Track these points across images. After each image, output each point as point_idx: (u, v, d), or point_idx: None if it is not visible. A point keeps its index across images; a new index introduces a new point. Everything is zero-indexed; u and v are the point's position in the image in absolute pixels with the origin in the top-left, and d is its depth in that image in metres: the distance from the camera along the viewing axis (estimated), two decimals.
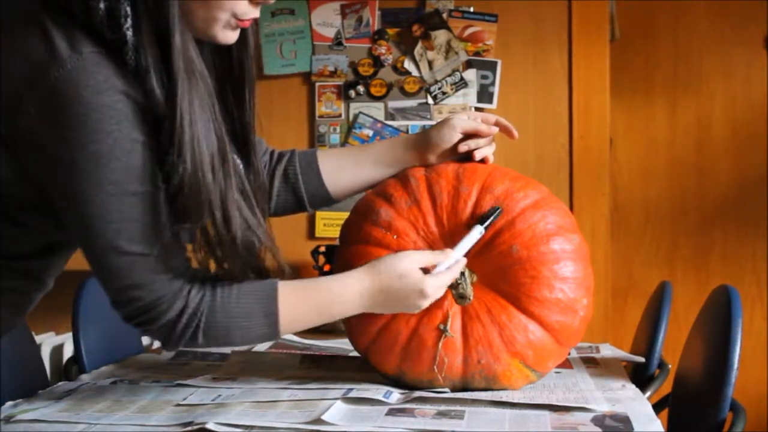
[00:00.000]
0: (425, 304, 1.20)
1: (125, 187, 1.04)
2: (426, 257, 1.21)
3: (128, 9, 1.02)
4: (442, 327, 1.23)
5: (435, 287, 1.19)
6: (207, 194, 1.07)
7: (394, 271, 1.19)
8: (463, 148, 1.35)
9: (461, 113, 1.39)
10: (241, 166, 1.23)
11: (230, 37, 1.13)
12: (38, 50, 1.00)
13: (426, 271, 1.20)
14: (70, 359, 1.77)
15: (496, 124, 1.38)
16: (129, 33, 1.02)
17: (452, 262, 1.21)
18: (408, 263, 1.19)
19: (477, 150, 1.35)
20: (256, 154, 1.26)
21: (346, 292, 1.19)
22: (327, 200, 1.41)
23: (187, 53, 1.06)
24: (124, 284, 1.08)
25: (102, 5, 1.01)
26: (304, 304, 1.19)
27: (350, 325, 1.30)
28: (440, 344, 1.22)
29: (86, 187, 1.03)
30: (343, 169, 1.39)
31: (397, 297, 1.19)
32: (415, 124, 2.79)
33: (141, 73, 1.03)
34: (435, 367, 1.22)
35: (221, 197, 1.09)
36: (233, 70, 1.22)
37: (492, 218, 1.23)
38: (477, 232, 1.23)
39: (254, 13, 1.12)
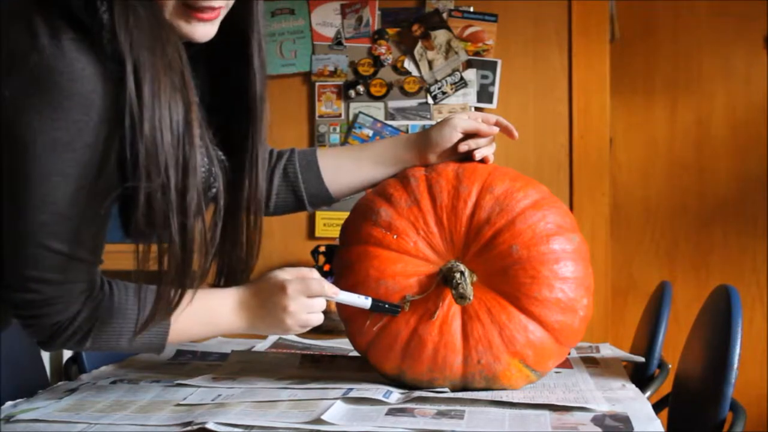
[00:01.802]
0: (290, 321, 1.20)
1: (71, 182, 1.03)
2: (298, 272, 1.22)
3: None
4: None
5: (298, 305, 1.19)
6: (162, 184, 1.04)
7: (266, 280, 1.21)
8: (463, 147, 1.35)
9: (462, 113, 1.39)
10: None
11: (197, 31, 1.10)
12: (21, 39, 1.00)
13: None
14: (70, 359, 1.77)
15: (497, 124, 1.38)
16: (105, 17, 1.02)
17: (327, 292, 1.21)
18: (281, 273, 1.21)
19: (477, 150, 1.35)
20: (255, 166, 1.25)
21: (226, 304, 1.21)
22: (327, 200, 1.41)
23: (158, 39, 1.04)
24: (31, 275, 1.05)
25: None
26: (193, 316, 1.18)
27: (350, 325, 1.30)
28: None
29: (34, 172, 1.02)
30: (343, 169, 1.40)
31: (265, 307, 1.20)
32: (415, 124, 2.79)
33: (117, 58, 1.02)
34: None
35: (181, 192, 1.07)
36: (239, 85, 1.22)
37: (383, 309, 1.23)
38: (363, 300, 1.23)
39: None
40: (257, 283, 1.23)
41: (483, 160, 1.35)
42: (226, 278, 1.28)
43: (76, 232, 1.06)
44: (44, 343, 1.12)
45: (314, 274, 1.23)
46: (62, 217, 1.04)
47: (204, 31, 1.11)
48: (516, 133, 1.39)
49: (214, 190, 1.18)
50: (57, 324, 1.09)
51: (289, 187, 1.39)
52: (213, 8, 1.10)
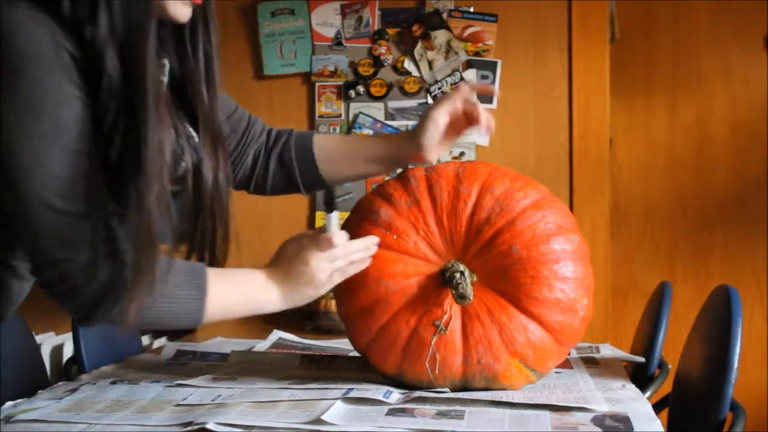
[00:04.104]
0: (320, 276, 1.22)
1: (55, 142, 1.00)
2: (305, 233, 1.26)
3: None
4: (437, 323, 1.22)
5: (318, 260, 1.22)
6: (148, 151, 1.02)
7: (282, 253, 1.24)
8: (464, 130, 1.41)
9: (439, 104, 1.39)
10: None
11: (180, 12, 1.11)
12: None
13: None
14: (70, 359, 1.77)
15: (472, 88, 1.41)
16: None
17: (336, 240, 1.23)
18: (290, 243, 1.25)
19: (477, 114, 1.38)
20: (220, 140, 1.24)
21: (257, 280, 1.21)
22: (322, 186, 1.46)
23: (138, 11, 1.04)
24: (47, 243, 1.02)
25: None
26: (231, 287, 1.19)
27: (350, 325, 1.31)
28: (433, 340, 1.22)
29: (14, 138, 0.99)
30: (336, 162, 1.44)
31: (291, 275, 1.22)
32: (415, 125, 2.78)
33: (78, 24, 1.01)
34: (427, 363, 1.22)
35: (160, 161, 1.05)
36: (196, 52, 1.20)
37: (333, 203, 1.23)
38: (335, 217, 1.25)
39: None
40: (276, 259, 1.25)
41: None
42: (202, 256, 1.24)
43: (78, 190, 1.02)
44: (85, 319, 1.08)
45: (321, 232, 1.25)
46: (58, 177, 1.00)
47: (187, 12, 1.13)
48: (494, 89, 1.42)
49: (183, 164, 1.16)
50: (90, 296, 1.04)
51: (285, 172, 1.43)
52: None
